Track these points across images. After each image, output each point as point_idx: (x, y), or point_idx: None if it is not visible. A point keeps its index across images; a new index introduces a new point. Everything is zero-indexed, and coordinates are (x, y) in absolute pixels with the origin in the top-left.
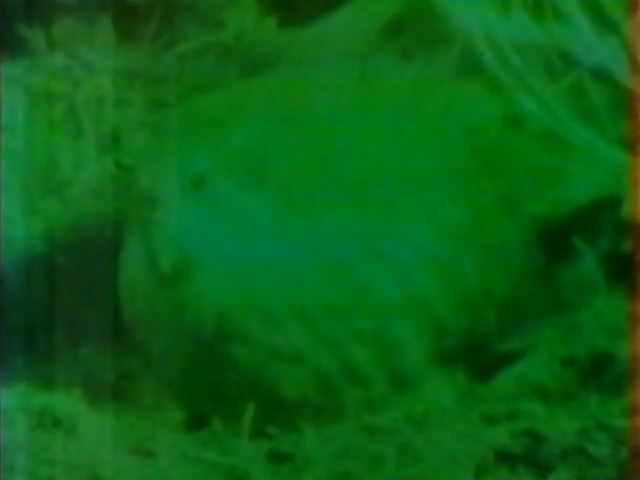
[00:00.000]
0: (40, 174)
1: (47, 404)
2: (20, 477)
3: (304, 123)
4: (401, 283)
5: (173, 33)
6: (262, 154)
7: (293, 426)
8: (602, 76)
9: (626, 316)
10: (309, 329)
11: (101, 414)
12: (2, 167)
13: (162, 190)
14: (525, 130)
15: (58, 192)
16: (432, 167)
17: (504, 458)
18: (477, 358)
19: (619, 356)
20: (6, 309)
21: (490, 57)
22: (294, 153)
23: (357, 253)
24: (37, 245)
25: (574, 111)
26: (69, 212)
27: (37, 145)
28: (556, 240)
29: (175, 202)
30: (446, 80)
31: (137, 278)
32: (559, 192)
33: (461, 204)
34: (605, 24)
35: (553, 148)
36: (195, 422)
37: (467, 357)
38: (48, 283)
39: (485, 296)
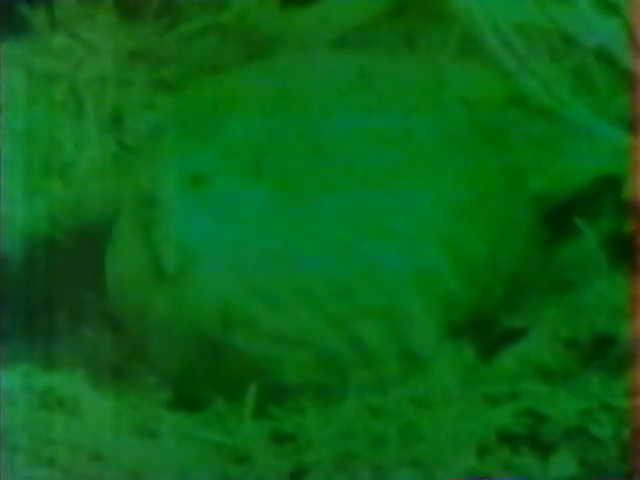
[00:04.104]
0: (42, 155)
1: (49, 384)
2: (23, 457)
3: (301, 106)
4: (408, 258)
5: (175, 14)
6: (259, 143)
7: (296, 407)
8: (604, 57)
9: (628, 297)
10: (315, 311)
11: (103, 394)
12: (4, 148)
13: (162, 187)
14: (526, 107)
15: (60, 172)
16: (435, 143)
17: (506, 438)
18: (484, 333)
19: (621, 337)
20: (8, 290)
21: (492, 39)
22: (292, 137)
23: (361, 231)
24: (39, 226)
25: (576, 92)
26: (71, 192)
27: (39, 126)
28: (558, 219)
29: (176, 198)
30: (448, 61)
31: (137, 273)
32: (561, 167)
33: (465, 179)
34: (607, 5)
35: (554, 124)
36: (198, 405)
37: (475, 332)
38: (50, 264)
39: (492, 270)
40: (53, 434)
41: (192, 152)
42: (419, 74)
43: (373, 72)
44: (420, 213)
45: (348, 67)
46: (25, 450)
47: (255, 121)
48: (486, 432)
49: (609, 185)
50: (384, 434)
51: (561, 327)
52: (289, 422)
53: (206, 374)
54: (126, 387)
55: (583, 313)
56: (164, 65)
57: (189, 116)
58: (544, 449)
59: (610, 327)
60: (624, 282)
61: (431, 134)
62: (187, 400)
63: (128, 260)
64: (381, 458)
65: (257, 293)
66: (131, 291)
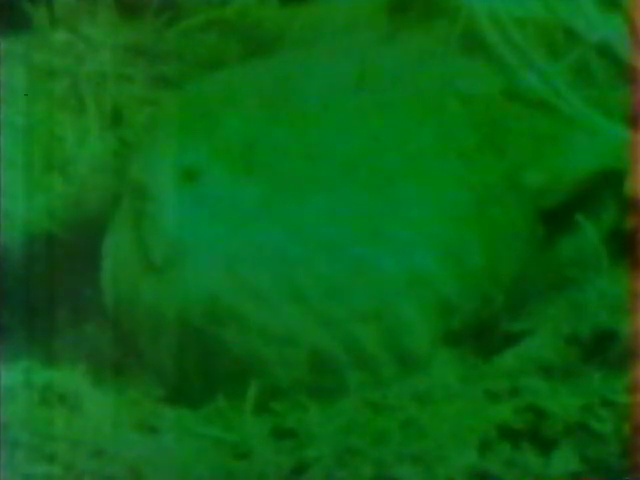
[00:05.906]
0: (42, 150)
1: (50, 380)
2: (23, 453)
3: (297, 104)
4: (401, 263)
5: (175, 10)
6: (256, 140)
7: (296, 403)
8: (605, 52)
9: (629, 293)
10: (305, 310)
11: (104, 390)
12: (4, 143)
13: (156, 180)
14: (526, 103)
15: (60, 169)
16: (432, 144)
17: (507, 434)
18: (484, 339)
19: (622, 333)
20: (8, 286)
21: (493, 33)
22: (289, 135)
23: (355, 232)
24: (39, 222)
25: (577, 87)
26: (71, 189)
27: (39, 122)
28: (558, 215)
29: (168, 192)
30: (448, 56)
31: (127, 264)
32: (561, 162)
33: (463, 181)
34: (608, 0)
35: (554, 119)
36: (194, 400)
37: (475, 338)
38: (50, 260)
39: (491, 276)
40: (54, 430)
41: (187, 147)
42: (419, 71)
43: (373, 70)
44: (416, 216)
45: (347, 65)
46: (25, 446)
47: (252, 118)
48: (487, 428)
49: (609, 180)
50: (385, 430)
51: (562, 323)
52: (290, 418)
53: (196, 368)
54: (127, 383)
55: (584, 309)
56: (164, 61)
57: (187, 111)
58: (545, 445)
59: (611, 323)
60: (625, 278)
61: (430, 134)
62: (184, 395)
63: (120, 252)
64: (382, 454)
65: (246, 289)
66: (121, 283)
